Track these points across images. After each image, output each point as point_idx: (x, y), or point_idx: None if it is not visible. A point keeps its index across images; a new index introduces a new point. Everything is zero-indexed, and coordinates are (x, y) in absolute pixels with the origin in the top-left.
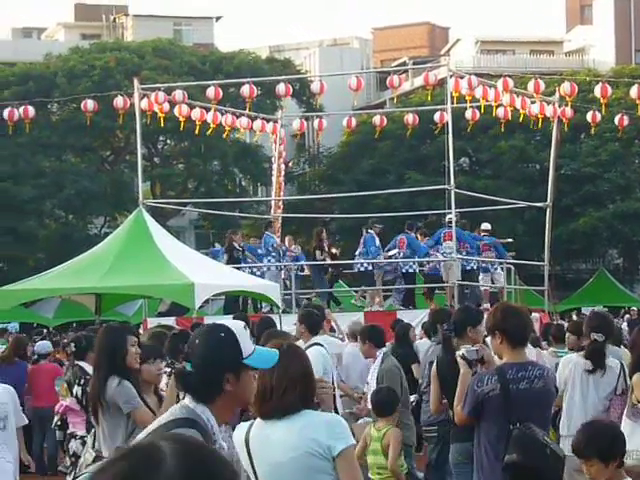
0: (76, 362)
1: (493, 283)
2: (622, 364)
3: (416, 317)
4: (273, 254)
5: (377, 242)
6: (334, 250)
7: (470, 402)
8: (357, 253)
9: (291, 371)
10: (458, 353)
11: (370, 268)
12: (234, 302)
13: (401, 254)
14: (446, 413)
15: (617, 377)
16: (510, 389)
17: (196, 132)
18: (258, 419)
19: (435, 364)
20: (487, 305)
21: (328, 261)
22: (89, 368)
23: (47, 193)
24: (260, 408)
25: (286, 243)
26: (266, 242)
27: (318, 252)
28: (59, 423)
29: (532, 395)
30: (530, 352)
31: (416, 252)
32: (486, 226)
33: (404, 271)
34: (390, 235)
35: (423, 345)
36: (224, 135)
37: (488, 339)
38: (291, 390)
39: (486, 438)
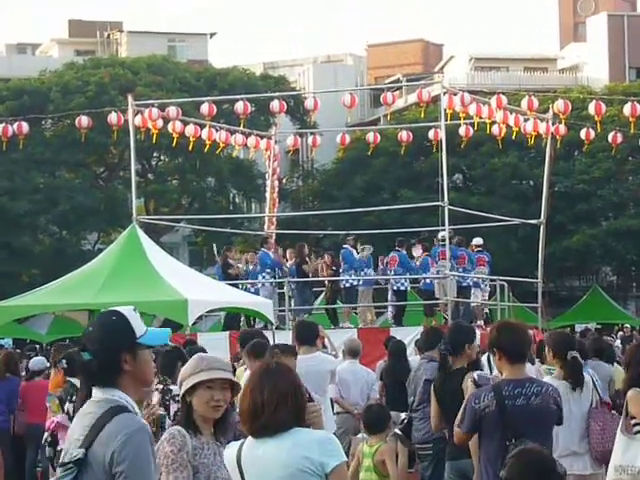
0: (68, 379)
1: (485, 299)
2: (592, 376)
3: (409, 334)
4: (268, 270)
5: (355, 255)
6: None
7: (468, 419)
8: (341, 270)
9: (281, 387)
10: (470, 375)
11: (355, 284)
12: (232, 318)
13: (392, 272)
14: (441, 431)
15: (591, 391)
16: (506, 405)
17: (190, 149)
18: (249, 438)
19: (432, 383)
20: (481, 322)
21: (313, 276)
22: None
23: (41, 209)
24: (252, 426)
25: (287, 256)
26: (261, 259)
27: (306, 266)
28: (49, 439)
29: (529, 412)
30: (530, 369)
31: (408, 270)
32: (478, 241)
33: (395, 288)
34: (382, 252)
35: (415, 362)
36: (218, 151)
37: (483, 357)
38: (282, 406)
39: (485, 455)
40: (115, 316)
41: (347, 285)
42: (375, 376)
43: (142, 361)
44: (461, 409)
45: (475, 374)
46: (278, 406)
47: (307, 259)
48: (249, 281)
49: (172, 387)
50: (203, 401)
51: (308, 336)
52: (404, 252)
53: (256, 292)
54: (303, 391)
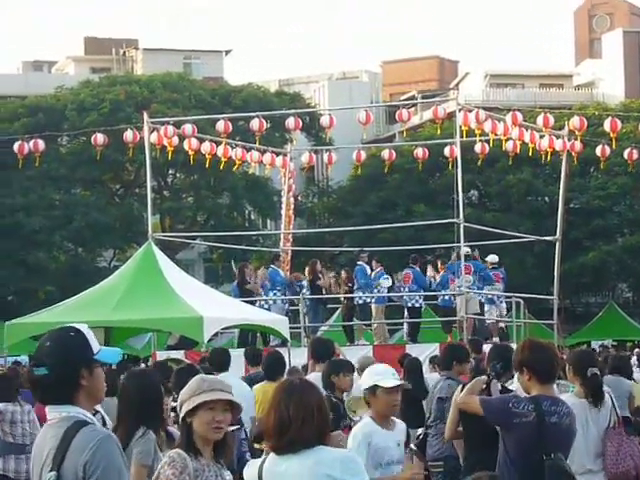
0: None
1: (500, 316)
2: (610, 395)
3: (424, 351)
4: (278, 287)
5: (368, 271)
6: (333, 275)
7: (499, 408)
8: (355, 287)
9: (306, 402)
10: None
11: (368, 301)
12: (246, 335)
13: (406, 288)
14: (452, 449)
15: (610, 410)
16: (545, 420)
17: (207, 166)
18: (271, 454)
19: (460, 390)
20: (496, 339)
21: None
22: None
23: (57, 225)
24: (278, 441)
25: (306, 274)
26: (271, 276)
27: (320, 282)
28: None
29: (560, 430)
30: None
31: (422, 286)
32: (493, 258)
33: (409, 305)
34: (397, 268)
35: (432, 379)
36: (234, 168)
37: (514, 385)
38: (309, 421)
39: (514, 466)
40: (73, 332)
41: (360, 302)
42: None
43: (97, 377)
44: (468, 387)
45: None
46: (304, 422)
47: (320, 275)
48: (264, 297)
49: None
50: (204, 422)
51: (324, 353)
52: (418, 269)
53: (267, 309)
54: (327, 407)
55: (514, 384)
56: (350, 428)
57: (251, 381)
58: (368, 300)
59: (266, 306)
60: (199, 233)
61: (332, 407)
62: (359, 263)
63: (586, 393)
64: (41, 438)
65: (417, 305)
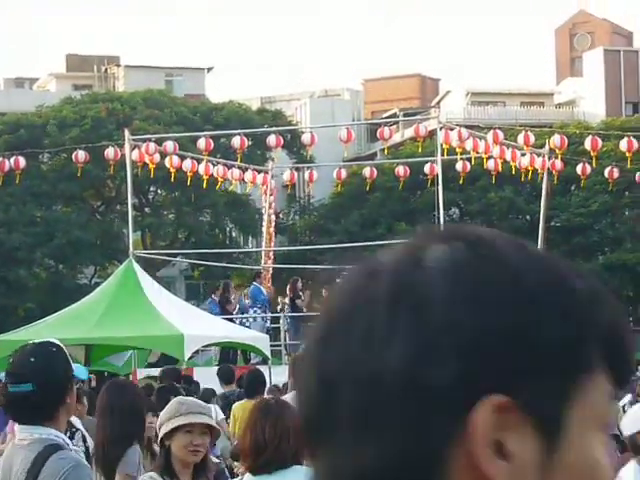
0: None
1: None
2: None
3: None
4: (259, 305)
5: None
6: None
7: None
8: None
9: (282, 423)
10: None
11: None
12: (227, 353)
13: None
14: None
15: None
16: None
17: (188, 184)
18: (247, 475)
19: None
20: None
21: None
22: (75, 420)
23: (37, 242)
24: (254, 462)
25: (287, 292)
26: (253, 293)
27: (299, 301)
28: None
29: None
30: None
31: None
32: None
33: None
34: None
35: None
36: (217, 187)
37: None
38: (285, 442)
39: None
40: (54, 347)
41: None
42: None
43: (74, 394)
44: None
45: None
46: (280, 443)
47: (301, 293)
48: (245, 315)
49: None
50: (182, 445)
51: None
52: None
53: (248, 327)
54: None
55: None
56: None
57: (226, 399)
58: None
59: (247, 324)
60: (180, 250)
61: None
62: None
63: None
64: (8, 457)
65: None
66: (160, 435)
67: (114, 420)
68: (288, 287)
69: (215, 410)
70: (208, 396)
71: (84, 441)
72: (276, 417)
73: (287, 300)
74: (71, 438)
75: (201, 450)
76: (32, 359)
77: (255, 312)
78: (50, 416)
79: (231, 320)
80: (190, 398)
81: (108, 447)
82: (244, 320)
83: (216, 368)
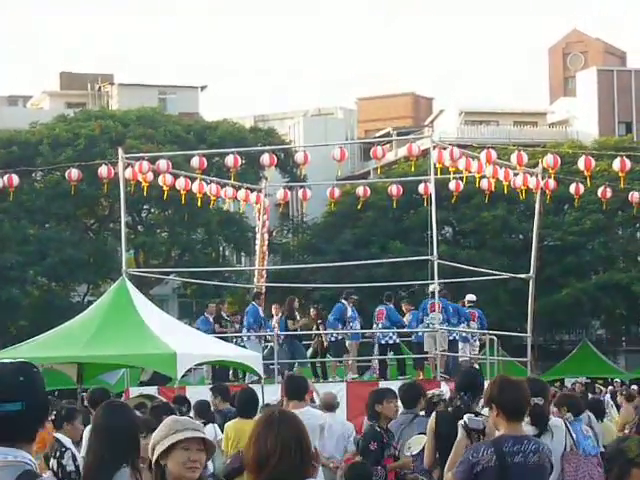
0: (54, 435)
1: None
2: (566, 423)
3: (395, 388)
4: (255, 326)
5: (348, 312)
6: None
7: (464, 471)
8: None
9: (284, 435)
10: (461, 421)
11: (340, 338)
12: (220, 371)
13: (379, 325)
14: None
15: (564, 434)
16: (507, 462)
17: (182, 202)
18: None
19: (434, 418)
20: None
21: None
22: (65, 440)
23: (30, 260)
24: (257, 477)
25: (272, 311)
26: (250, 312)
27: (290, 322)
28: None
29: (526, 470)
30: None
31: (395, 324)
32: (471, 297)
33: (382, 342)
34: (370, 306)
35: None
36: (210, 205)
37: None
38: (287, 456)
39: None
40: (35, 368)
41: (332, 339)
42: (352, 427)
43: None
44: (452, 455)
45: (466, 417)
46: (282, 456)
47: (296, 313)
48: (238, 334)
49: None
50: (179, 462)
51: (297, 391)
52: (392, 306)
53: (243, 346)
54: (308, 439)
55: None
56: (395, 459)
57: (224, 417)
58: (340, 337)
59: (242, 343)
60: (173, 269)
61: (374, 436)
62: (343, 302)
63: (531, 421)
64: None
65: (390, 342)
66: (155, 455)
67: (107, 442)
68: (285, 306)
69: (214, 429)
70: (204, 408)
71: (74, 460)
72: (278, 430)
73: (278, 318)
74: (61, 457)
75: (198, 467)
76: (21, 378)
77: (249, 331)
78: (30, 438)
79: (224, 339)
80: (183, 417)
81: (96, 470)
82: (238, 339)
83: (209, 386)
